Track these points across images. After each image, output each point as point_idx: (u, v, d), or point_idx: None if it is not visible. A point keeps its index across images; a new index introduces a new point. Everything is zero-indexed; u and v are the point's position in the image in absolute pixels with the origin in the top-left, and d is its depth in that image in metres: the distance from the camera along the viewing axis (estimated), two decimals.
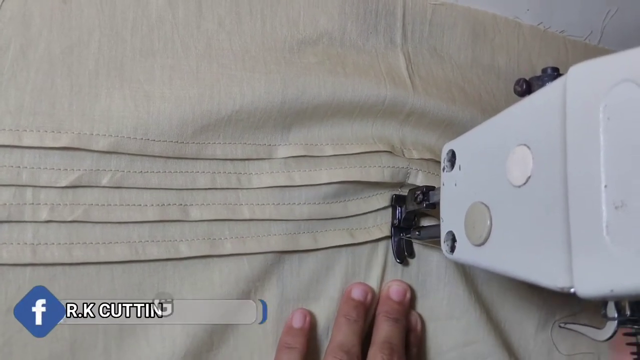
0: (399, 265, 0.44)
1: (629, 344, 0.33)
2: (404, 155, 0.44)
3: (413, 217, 0.44)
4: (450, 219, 0.37)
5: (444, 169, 0.38)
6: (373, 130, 0.44)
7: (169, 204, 0.38)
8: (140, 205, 0.37)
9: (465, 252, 0.35)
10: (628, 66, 0.24)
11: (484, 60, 0.50)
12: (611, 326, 0.32)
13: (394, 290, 0.43)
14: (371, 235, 0.43)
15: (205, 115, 0.38)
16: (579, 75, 0.26)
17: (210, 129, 0.39)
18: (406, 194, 0.44)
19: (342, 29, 0.44)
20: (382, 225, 0.44)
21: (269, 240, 0.40)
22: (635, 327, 0.32)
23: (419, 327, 0.43)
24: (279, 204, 0.40)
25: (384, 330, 0.41)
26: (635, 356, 0.33)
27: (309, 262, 0.42)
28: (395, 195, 0.44)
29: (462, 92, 0.47)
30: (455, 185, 0.36)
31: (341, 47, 0.44)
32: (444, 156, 0.38)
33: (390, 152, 0.43)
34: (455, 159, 0.37)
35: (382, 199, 0.44)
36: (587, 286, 0.24)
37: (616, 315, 0.31)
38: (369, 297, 0.42)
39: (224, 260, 0.39)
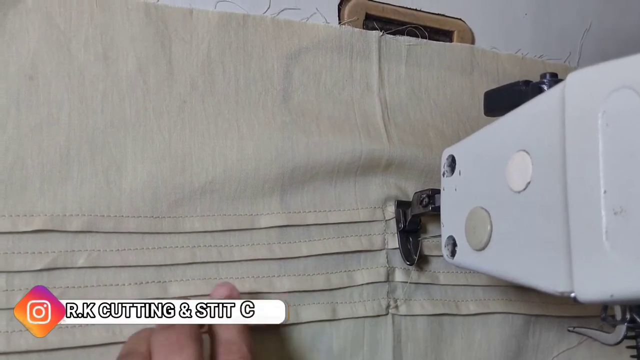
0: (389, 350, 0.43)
1: (629, 347, 0.33)
2: (384, 217, 0.43)
3: (419, 221, 0.44)
4: (451, 223, 0.37)
5: (444, 174, 0.38)
6: (356, 189, 0.43)
7: (147, 282, 0.37)
8: (118, 285, 0.36)
9: (465, 257, 0.35)
10: (626, 73, 0.24)
11: (464, 95, 0.49)
12: (620, 330, 0.32)
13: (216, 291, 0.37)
14: (354, 312, 0.42)
15: (178, 189, 0.37)
16: (577, 81, 0.26)
17: (185, 202, 0.38)
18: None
19: (317, 79, 0.43)
20: (367, 302, 0.42)
21: None
22: (637, 330, 0.32)
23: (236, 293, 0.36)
24: (258, 276, 0.39)
25: None
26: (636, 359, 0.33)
27: (291, 334, 0.40)
28: (398, 200, 0.44)
29: (439, 135, 0.46)
30: (456, 190, 0.36)
31: (316, 99, 0.43)
32: (443, 161, 0.38)
33: (369, 221, 0.43)
34: (455, 164, 0.37)
35: (368, 274, 0.42)
36: (588, 291, 0.25)
37: (627, 318, 0.31)
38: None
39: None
